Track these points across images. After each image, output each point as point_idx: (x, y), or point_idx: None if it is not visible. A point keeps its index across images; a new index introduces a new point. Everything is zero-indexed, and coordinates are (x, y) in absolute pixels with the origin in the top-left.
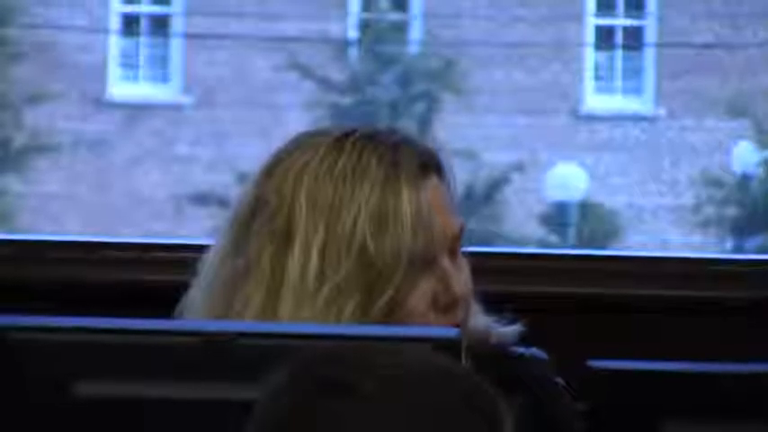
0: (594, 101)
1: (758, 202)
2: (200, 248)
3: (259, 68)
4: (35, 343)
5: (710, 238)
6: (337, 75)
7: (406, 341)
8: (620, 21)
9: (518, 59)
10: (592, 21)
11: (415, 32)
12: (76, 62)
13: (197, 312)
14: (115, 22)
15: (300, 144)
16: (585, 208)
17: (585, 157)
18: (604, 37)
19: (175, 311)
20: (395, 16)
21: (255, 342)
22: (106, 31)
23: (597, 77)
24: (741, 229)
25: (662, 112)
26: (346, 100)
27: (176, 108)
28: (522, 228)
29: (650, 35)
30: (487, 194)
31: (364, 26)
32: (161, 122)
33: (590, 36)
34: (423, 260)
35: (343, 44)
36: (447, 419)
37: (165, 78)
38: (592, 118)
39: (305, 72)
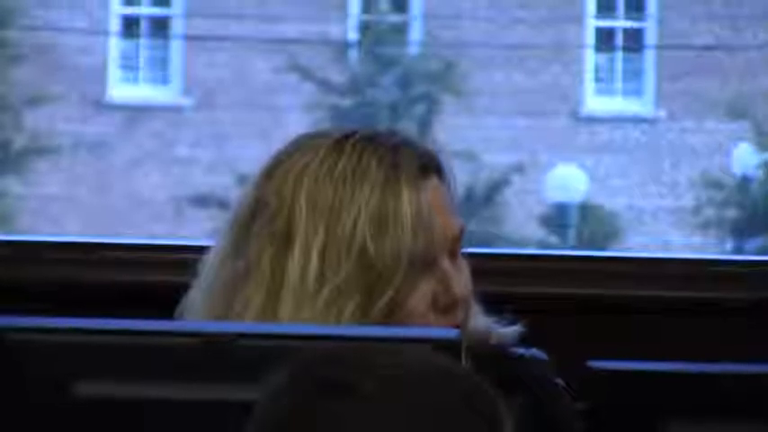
0: (595, 102)
1: (758, 203)
2: (201, 250)
3: (259, 70)
4: (33, 344)
5: (710, 239)
6: (337, 76)
7: (406, 342)
8: (621, 22)
9: (518, 61)
10: (592, 22)
11: (415, 34)
12: (76, 64)
13: (197, 313)
14: (115, 24)
15: (300, 146)
16: (585, 209)
17: (586, 159)
18: (604, 39)
19: (175, 312)
20: (395, 18)
21: (255, 343)
22: (106, 32)
23: (597, 79)
24: (741, 231)
25: (662, 113)
26: (346, 102)
27: (176, 110)
28: (522, 229)
29: (650, 37)
30: (487, 196)
31: (364, 28)
32: (161, 124)
33: (590, 38)
34: (423, 261)
35: (343, 46)
36: (447, 420)
37: (165, 80)
38: (592, 120)
39: (305, 74)
